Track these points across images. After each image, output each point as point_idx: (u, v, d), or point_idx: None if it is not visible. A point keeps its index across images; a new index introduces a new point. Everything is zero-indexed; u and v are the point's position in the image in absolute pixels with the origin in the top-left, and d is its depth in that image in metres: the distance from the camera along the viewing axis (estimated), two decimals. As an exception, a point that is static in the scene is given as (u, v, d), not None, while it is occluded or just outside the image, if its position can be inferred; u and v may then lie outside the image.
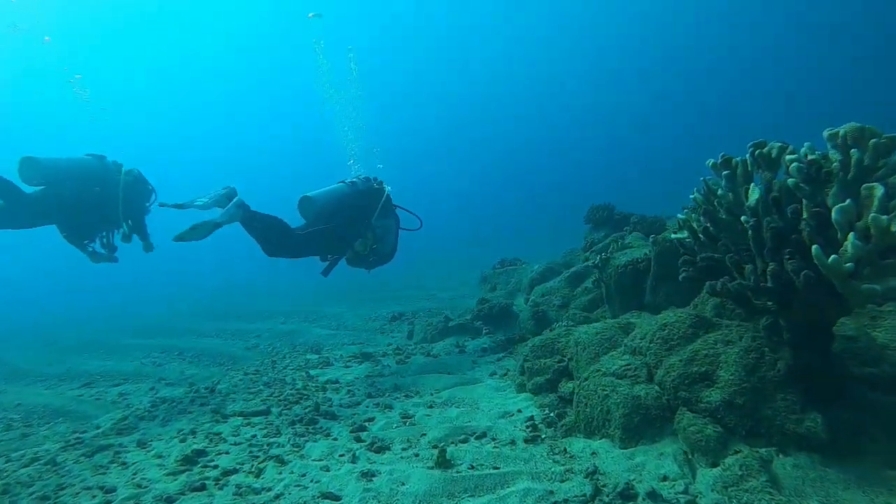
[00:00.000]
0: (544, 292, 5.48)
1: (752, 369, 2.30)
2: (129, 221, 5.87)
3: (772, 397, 2.21)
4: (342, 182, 5.71)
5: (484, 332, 6.15)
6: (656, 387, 2.61)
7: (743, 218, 2.10)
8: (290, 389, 4.56)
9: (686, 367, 2.48)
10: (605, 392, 2.71)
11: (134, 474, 2.90)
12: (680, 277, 2.47)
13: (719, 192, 2.42)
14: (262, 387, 4.78)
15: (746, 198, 2.20)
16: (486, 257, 14.94)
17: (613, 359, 2.92)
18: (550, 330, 4.05)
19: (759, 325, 2.43)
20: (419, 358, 5.72)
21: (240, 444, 3.24)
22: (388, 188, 6.04)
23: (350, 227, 5.53)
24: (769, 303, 2.04)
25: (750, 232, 2.03)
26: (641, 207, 6.94)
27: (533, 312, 5.12)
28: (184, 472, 2.83)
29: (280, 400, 4.22)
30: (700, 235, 2.43)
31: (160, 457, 3.12)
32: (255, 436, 3.41)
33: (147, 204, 6.10)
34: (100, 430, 3.79)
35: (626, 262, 4.10)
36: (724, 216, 2.42)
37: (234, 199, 4.57)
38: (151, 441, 3.44)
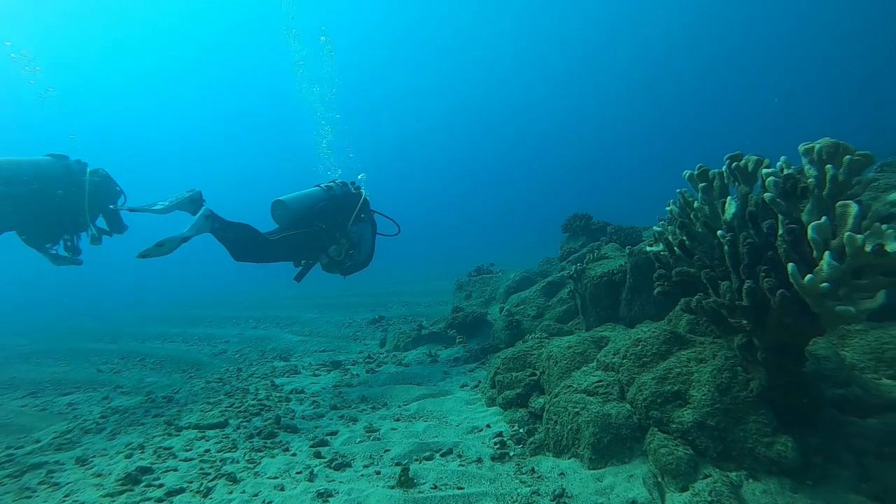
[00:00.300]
0: (519, 302, 5.39)
1: (725, 389, 2.22)
2: (96, 224, 5.63)
3: (744, 419, 2.14)
4: (318, 186, 5.57)
5: (457, 341, 6.03)
6: (628, 405, 2.52)
7: (719, 233, 2.02)
8: (253, 400, 4.37)
9: (658, 386, 2.39)
10: (576, 409, 2.61)
11: (65, 497, 2.69)
12: (655, 292, 2.39)
13: (696, 204, 2.35)
14: (222, 396, 4.58)
15: (723, 211, 2.12)
16: (464, 264, 14.85)
17: (585, 374, 2.82)
18: (524, 342, 3.95)
19: (733, 344, 2.36)
20: (390, 367, 5.57)
21: (191, 459, 3.06)
22: (364, 193, 5.91)
23: (324, 232, 5.40)
24: (744, 321, 1.96)
25: (726, 247, 1.96)
26: (620, 216, 6.93)
27: (507, 322, 5.02)
28: (123, 492, 2.64)
29: (240, 411, 4.03)
30: (675, 249, 2.35)
31: (100, 475, 2.91)
32: (208, 450, 3.22)
33: (112, 206, 5.84)
34: (38, 445, 3.56)
35: (601, 274, 4.03)
36: (700, 229, 2.35)
37: (202, 210, 4.40)
38: (93, 458, 3.22)
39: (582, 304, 4.25)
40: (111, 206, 5.80)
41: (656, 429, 2.34)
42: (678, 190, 2.46)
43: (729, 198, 2.12)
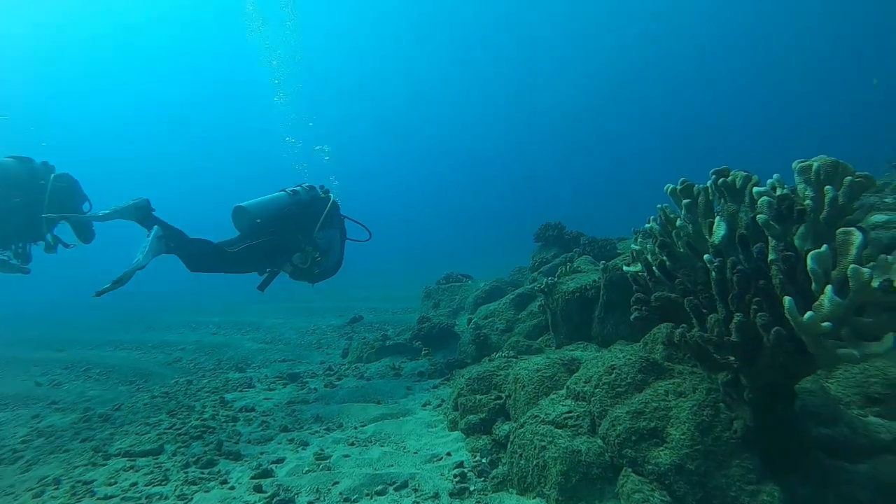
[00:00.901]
0: (488, 314, 5.15)
1: (707, 429, 2.01)
2: (53, 233, 5.36)
3: (726, 463, 1.93)
4: (283, 190, 5.24)
5: (423, 353, 5.76)
6: (599, 441, 2.29)
7: (706, 257, 1.81)
8: (197, 420, 4.01)
9: (633, 421, 2.17)
10: (543, 443, 2.38)
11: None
12: (631, 318, 2.17)
13: (678, 222, 2.14)
14: (164, 416, 4.20)
15: (710, 233, 1.91)
16: (434, 270, 14.57)
17: (554, 403, 2.59)
18: (490, 360, 3.71)
19: (717, 380, 2.15)
20: (350, 381, 5.26)
21: (111, 497, 2.71)
22: (333, 197, 5.61)
23: (289, 239, 5.09)
24: (731, 358, 1.75)
25: (714, 273, 1.74)
26: (594, 225, 6.78)
27: (474, 336, 4.77)
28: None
29: (180, 434, 3.67)
30: (655, 270, 2.13)
31: (-3, 520, 2.55)
32: (135, 484, 2.88)
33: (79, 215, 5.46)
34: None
35: (573, 289, 3.82)
36: (682, 250, 2.13)
37: (154, 231, 4.16)
38: (-2, 495, 2.84)
39: (553, 320, 4.04)
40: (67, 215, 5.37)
41: (630, 470, 2.11)
42: (659, 206, 2.25)
43: (717, 218, 1.91)
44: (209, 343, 8.87)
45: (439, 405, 4.04)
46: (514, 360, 3.55)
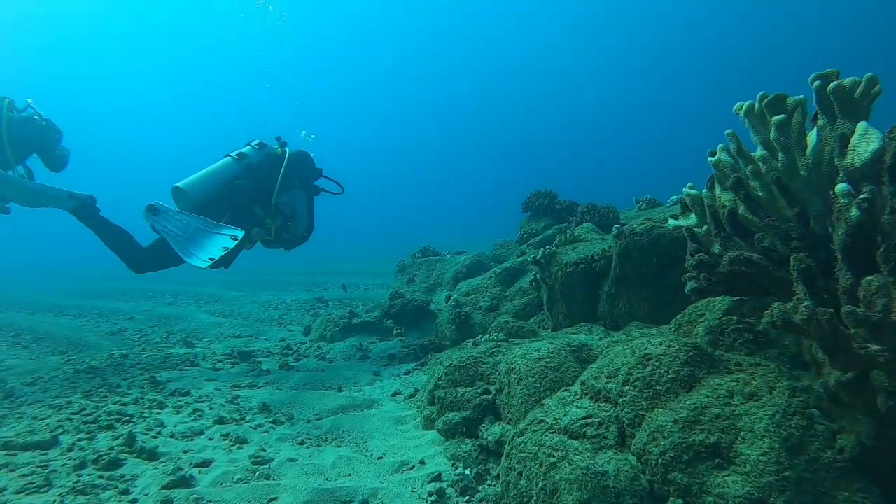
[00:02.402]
0: (469, 290, 4.49)
1: (797, 446, 1.39)
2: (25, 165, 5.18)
3: (830, 497, 1.31)
4: (228, 155, 4.51)
5: (394, 333, 5.09)
6: (633, 459, 1.65)
7: (841, 188, 1.15)
8: (114, 404, 3.28)
9: (685, 434, 1.53)
10: (552, 459, 1.73)
11: None
12: (688, 288, 1.53)
13: (758, 153, 1.48)
14: (77, 396, 3.45)
15: (842, 152, 1.25)
16: (410, 243, 13.85)
17: (565, 404, 1.94)
18: (474, 343, 3.06)
19: (801, 376, 1.54)
20: (310, 362, 4.57)
21: (-52, 517, 1.98)
22: (289, 150, 4.80)
23: (242, 214, 4.34)
24: (875, 348, 1.11)
25: (855, 213, 1.09)
26: (585, 197, 6.14)
27: (454, 315, 4.12)
28: None
29: (86, 422, 2.94)
30: (724, 223, 1.48)
31: None
32: (2, 490, 2.15)
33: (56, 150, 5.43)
34: None
35: (576, 260, 3.17)
36: (761, 193, 1.49)
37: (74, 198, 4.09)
38: None
39: (549, 297, 3.39)
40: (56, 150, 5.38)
41: (682, 502, 1.48)
42: (728, 131, 1.59)
43: (862, 125, 1.24)
44: (160, 314, 8.05)
45: (412, 396, 3.38)
46: (506, 344, 2.89)
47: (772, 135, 1.41)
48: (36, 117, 5.26)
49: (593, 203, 4.37)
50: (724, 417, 1.52)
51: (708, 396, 1.60)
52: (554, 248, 3.36)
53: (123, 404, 3.24)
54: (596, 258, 3.05)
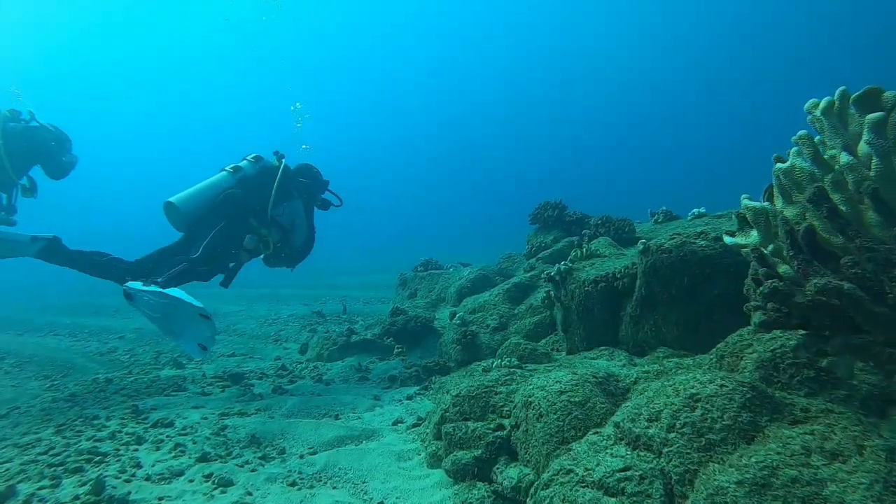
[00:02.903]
0: (476, 307, 4.21)
1: (903, 526, 1.11)
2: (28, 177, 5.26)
3: None
4: (223, 169, 4.41)
5: (395, 351, 4.80)
6: (686, 527, 1.37)
7: None
8: (88, 440, 2.99)
9: (753, 500, 1.25)
10: (586, 523, 1.45)
11: None
12: (756, 321, 1.25)
13: (843, 158, 1.22)
14: (49, 432, 3.16)
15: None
16: (412, 256, 13.60)
17: (597, 451, 1.66)
18: (484, 370, 2.77)
19: (884, 425, 1.26)
20: (306, 384, 4.29)
21: None
22: (285, 161, 4.63)
23: (237, 228, 4.21)
24: None
25: None
26: (592, 210, 5.88)
27: (460, 334, 3.84)
28: None
29: (52, 465, 2.64)
30: (800, 241, 1.21)
31: None
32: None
33: (64, 158, 5.46)
34: None
35: (596, 278, 2.89)
36: (844, 207, 1.22)
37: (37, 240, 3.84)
38: None
39: (565, 318, 3.12)
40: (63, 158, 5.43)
41: (753, 589, 1.20)
42: (800, 133, 1.32)
43: None
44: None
45: (415, 425, 3.09)
46: (520, 371, 2.61)
47: (865, 137, 1.15)
48: (37, 125, 5.16)
49: (608, 215, 4.10)
50: (802, 483, 1.23)
51: (779, 453, 1.31)
52: (570, 264, 3.09)
53: (98, 440, 2.95)
54: (618, 276, 2.78)
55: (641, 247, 2.57)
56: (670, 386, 1.65)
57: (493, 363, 2.78)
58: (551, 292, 3.22)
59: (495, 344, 3.78)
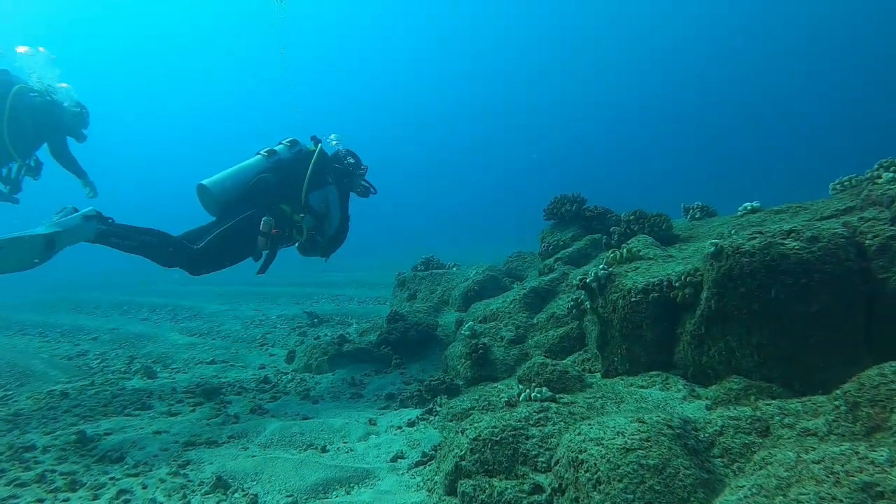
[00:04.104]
0: (487, 315, 3.65)
1: None
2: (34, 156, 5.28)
3: None
4: (259, 153, 4.29)
5: (393, 362, 4.24)
6: None
7: None
8: (7, 485, 2.40)
9: None
10: None
11: None
12: None
13: None
14: (-30, 465, 2.58)
15: None
16: (408, 252, 13.04)
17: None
18: (509, 403, 2.20)
19: None
20: (291, 401, 3.73)
21: None
22: (329, 142, 4.69)
23: (270, 213, 4.03)
24: None
25: None
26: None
27: (470, 348, 3.27)
28: None
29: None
30: None
31: None
32: None
33: (84, 130, 5.53)
34: None
35: (646, 286, 2.33)
36: None
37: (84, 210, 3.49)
38: None
39: (602, 333, 2.55)
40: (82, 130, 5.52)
41: None
42: None
43: None
44: (129, 333, 7.18)
45: (420, 463, 2.52)
46: (554, 406, 2.05)
47: None
48: (49, 99, 5.03)
49: (640, 209, 3.51)
50: None
51: None
52: (608, 269, 2.52)
53: (21, 484, 2.37)
54: (676, 284, 2.22)
55: (712, 248, 2.01)
56: (819, 466, 1.09)
57: (518, 394, 2.22)
58: (584, 302, 2.66)
59: (511, 360, 3.21)
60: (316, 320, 6.91)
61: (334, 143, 5.00)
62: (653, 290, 2.29)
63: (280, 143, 4.42)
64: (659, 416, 1.60)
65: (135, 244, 3.60)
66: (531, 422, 1.95)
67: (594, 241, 4.17)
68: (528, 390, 2.16)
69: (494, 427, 1.94)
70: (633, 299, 2.34)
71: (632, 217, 3.52)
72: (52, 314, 9.49)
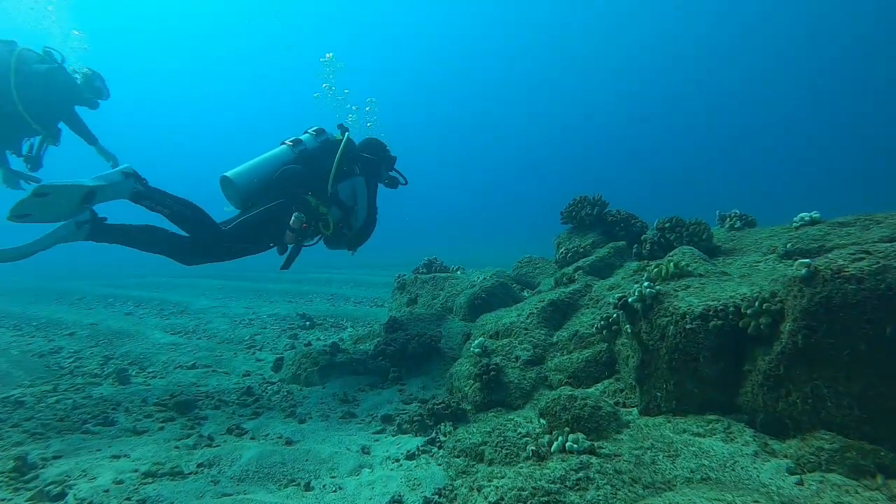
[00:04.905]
0: (500, 330, 3.22)
1: None
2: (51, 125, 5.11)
3: None
4: (284, 143, 4.16)
5: (390, 376, 3.82)
6: None
7: None
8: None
9: None
10: None
11: None
12: None
13: None
14: None
15: None
16: (409, 254, 12.65)
17: None
18: (536, 455, 1.78)
19: None
20: (273, 421, 3.30)
21: None
22: (349, 135, 4.38)
23: (295, 204, 3.91)
24: None
25: None
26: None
27: (480, 369, 2.85)
28: None
29: None
30: None
31: None
32: None
33: (98, 99, 5.42)
34: None
35: (705, 311, 1.91)
36: None
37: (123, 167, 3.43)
38: None
39: (644, 363, 2.13)
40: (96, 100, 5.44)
41: None
42: None
43: None
44: (109, 329, 6.73)
45: (421, 513, 2.10)
46: (595, 460, 1.63)
47: None
48: (57, 67, 4.88)
49: (677, 216, 3.07)
50: None
51: None
52: (654, 287, 2.10)
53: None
54: (747, 311, 1.80)
55: (803, 270, 1.59)
56: None
57: (549, 443, 1.79)
58: (621, 323, 2.24)
59: (528, 384, 2.79)
60: (308, 322, 6.48)
61: (368, 125, 4.93)
62: (714, 317, 1.87)
63: (305, 132, 4.28)
64: (749, 498, 1.18)
65: (167, 212, 3.49)
66: (568, 483, 1.53)
67: (618, 249, 3.75)
68: (560, 437, 1.73)
69: (522, 490, 1.52)
70: (688, 326, 1.92)
71: (667, 224, 3.10)
72: (31, 305, 9.03)
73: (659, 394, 2.11)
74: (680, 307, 1.97)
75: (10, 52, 4.66)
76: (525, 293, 4.84)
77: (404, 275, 5.89)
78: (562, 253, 4.12)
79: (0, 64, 4.56)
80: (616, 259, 3.69)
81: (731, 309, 1.86)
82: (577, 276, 3.52)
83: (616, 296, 2.17)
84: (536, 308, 3.19)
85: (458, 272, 5.60)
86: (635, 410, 2.25)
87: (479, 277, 4.83)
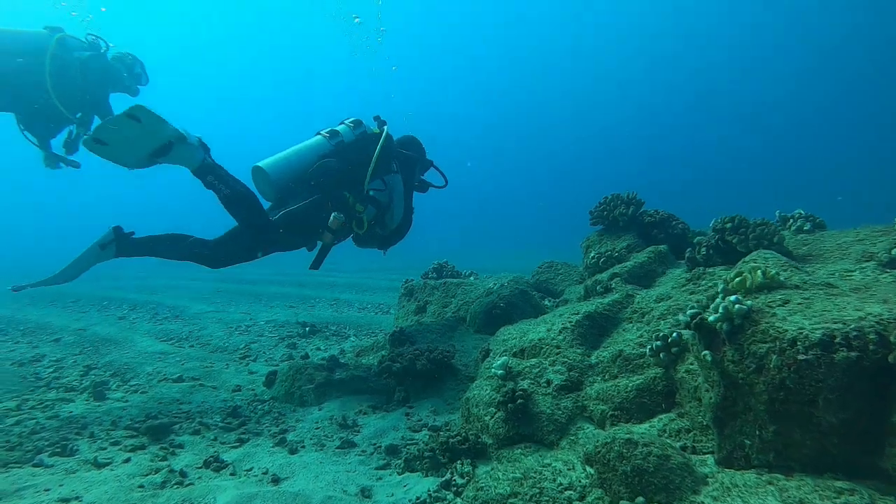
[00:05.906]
0: (526, 347, 2.72)
1: None
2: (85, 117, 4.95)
3: None
4: (319, 133, 3.96)
5: (395, 396, 3.33)
6: None
7: None
8: None
9: None
10: None
11: None
12: None
13: None
14: None
15: None
16: (417, 257, 12.23)
17: None
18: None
19: None
20: (260, 452, 2.82)
21: None
22: (387, 129, 4.12)
23: (331, 200, 3.70)
24: None
25: None
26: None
27: (505, 395, 2.35)
28: None
29: None
30: None
31: None
32: None
33: (138, 85, 5.29)
34: None
35: (827, 337, 1.41)
36: None
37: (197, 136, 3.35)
38: None
39: (725, 400, 1.63)
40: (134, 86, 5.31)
41: None
42: None
43: None
44: (96, 335, 6.31)
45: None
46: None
47: None
48: (98, 55, 4.78)
49: (740, 215, 2.56)
50: None
51: None
52: (742, 301, 1.60)
53: None
54: (891, 340, 1.30)
55: None
56: None
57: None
58: (695, 348, 1.74)
59: (563, 415, 2.29)
60: (308, 330, 6.01)
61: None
62: (841, 346, 1.37)
63: (342, 124, 4.09)
64: None
65: (226, 190, 3.35)
66: None
67: (659, 255, 3.25)
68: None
69: None
70: (800, 356, 1.42)
71: (728, 224, 2.60)
72: (24, 307, 8.64)
73: (748, 441, 1.60)
74: (787, 330, 1.47)
75: (51, 37, 4.53)
76: (546, 302, 4.34)
77: (412, 280, 5.40)
78: (593, 257, 3.62)
79: (38, 50, 4.43)
80: (658, 265, 3.19)
81: (872, 335, 1.36)
82: (614, 285, 3.03)
83: (688, 311, 1.67)
84: (570, 322, 2.69)
85: (472, 277, 5.11)
86: (710, 458, 1.75)
87: (493, 284, 4.33)
